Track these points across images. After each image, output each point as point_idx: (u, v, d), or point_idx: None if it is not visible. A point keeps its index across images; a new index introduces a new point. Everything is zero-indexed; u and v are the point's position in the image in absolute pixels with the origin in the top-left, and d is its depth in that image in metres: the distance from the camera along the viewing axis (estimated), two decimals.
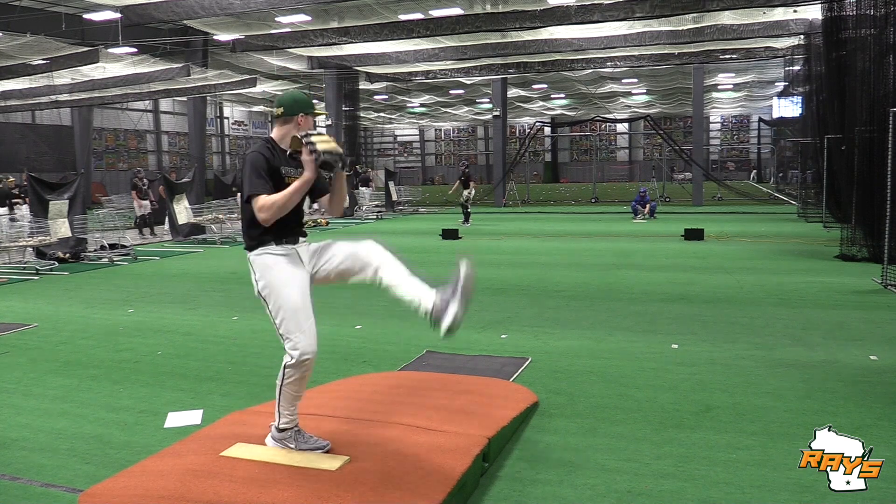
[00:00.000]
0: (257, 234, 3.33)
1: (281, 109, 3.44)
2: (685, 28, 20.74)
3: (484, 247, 14.17)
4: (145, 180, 18.49)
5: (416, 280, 3.33)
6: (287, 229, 3.38)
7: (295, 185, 3.27)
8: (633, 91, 41.41)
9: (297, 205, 3.35)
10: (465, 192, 19.20)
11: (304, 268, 3.40)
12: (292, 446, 3.45)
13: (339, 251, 3.43)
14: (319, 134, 3.31)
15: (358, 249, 3.41)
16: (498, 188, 28.79)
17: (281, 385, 3.36)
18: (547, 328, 6.71)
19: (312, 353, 3.29)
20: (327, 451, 3.44)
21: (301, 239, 3.44)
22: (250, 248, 3.38)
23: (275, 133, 3.47)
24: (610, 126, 54.71)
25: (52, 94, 23.90)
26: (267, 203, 3.24)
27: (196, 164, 22.24)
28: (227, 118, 49.53)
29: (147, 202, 17.97)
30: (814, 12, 17.68)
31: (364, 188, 26.05)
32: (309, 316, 3.31)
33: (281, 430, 3.47)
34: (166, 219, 16.97)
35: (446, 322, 3.19)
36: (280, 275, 3.31)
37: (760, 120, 49.43)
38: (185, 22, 19.21)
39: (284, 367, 3.32)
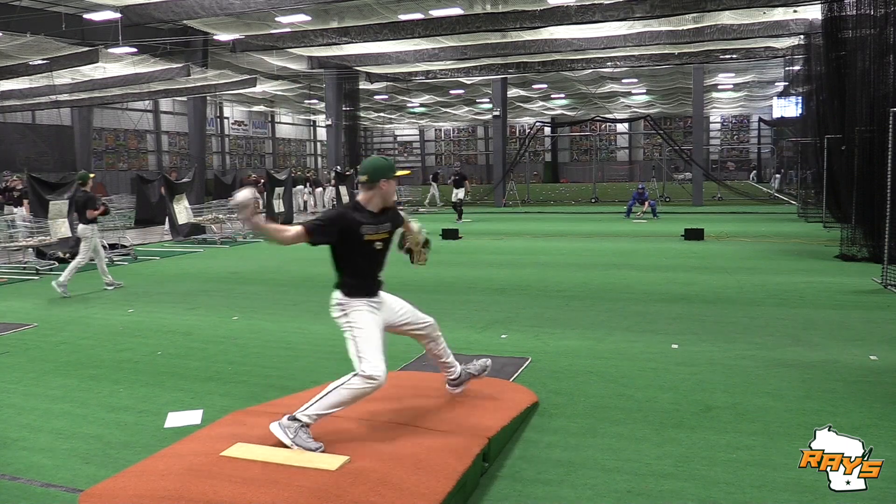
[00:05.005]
0: (350, 284, 3.70)
1: (366, 177, 3.74)
2: (685, 28, 20.74)
3: (484, 247, 14.17)
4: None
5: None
6: (375, 287, 3.79)
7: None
8: (633, 91, 41.38)
9: (378, 260, 3.80)
10: (457, 192, 20.52)
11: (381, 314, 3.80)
12: (290, 436, 3.44)
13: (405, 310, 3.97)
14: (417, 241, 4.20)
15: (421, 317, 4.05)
16: (498, 188, 28.78)
17: (339, 386, 3.53)
18: (547, 328, 6.71)
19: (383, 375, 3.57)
20: (321, 452, 3.44)
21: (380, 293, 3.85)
22: (346, 294, 3.72)
23: (361, 197, 3.79)
24: (610, 126, 54.64)
25: (52, 94, 23.86)
26: (301, 234, 3.55)
27: (196, 164, 22.20)
28: (227, 118, 49.48)
29: None
30: (814, 12, 17.67)
31: None
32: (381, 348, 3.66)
33: (293, 420, 3.49)
34: (166, 219, 16.98)
35: (461, 389, 4.30)
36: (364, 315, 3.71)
37: (760, 120, 49.40)
38: (185, 22, 19.21)
39: (354, 375, 3.54)
